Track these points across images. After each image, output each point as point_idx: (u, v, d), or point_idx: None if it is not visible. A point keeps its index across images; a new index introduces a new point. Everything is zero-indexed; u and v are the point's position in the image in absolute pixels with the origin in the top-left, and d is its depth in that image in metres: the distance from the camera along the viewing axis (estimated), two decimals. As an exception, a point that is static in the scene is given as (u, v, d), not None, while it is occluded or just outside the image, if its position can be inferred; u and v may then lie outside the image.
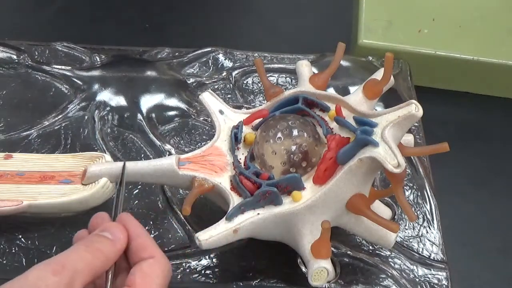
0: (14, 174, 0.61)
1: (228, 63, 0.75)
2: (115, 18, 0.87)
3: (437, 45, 0.80)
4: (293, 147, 0.57)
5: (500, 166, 0.78)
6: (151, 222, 0.62)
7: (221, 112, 0.63)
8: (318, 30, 0.88)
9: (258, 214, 0.56)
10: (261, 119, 0.62)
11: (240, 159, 0.60)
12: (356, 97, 0.61)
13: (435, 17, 0.82)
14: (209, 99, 0.63)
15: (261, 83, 0.71)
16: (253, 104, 0.72)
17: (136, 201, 0.63)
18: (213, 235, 0.54)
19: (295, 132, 0.58)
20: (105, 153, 0.66)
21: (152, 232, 0.61)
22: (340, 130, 0.59)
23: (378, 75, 0.62)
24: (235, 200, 0.57)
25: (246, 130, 0.62)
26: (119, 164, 0.61)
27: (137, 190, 0.64)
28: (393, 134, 0.55)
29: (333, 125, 0.60)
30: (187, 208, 0.56)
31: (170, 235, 0.62)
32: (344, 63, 0.76)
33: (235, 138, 0.60)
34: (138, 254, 0.48)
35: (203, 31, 0.87)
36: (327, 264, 0.54)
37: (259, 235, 0.57)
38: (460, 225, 0.70)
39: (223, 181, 0.58)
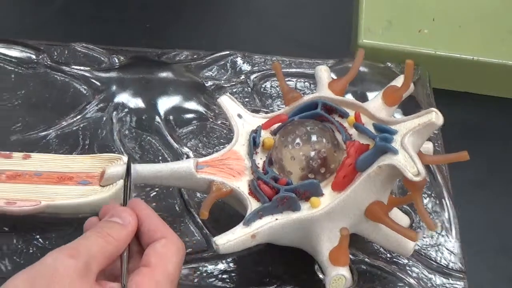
0: (32, 174, 0.61)
1: (246, 67, 0.75)
2: (115, 18, 0.86)
3: (437, 45, 0.79)
4: (312, 153, 0.57)
5: (499, 166, 0.77)
6: (168, 224, 0.62)
7: (239, 116, 0.63)
8: (318, 30, 0.88)
9: (276, 219, 0.55)
10: (280, 124, 0.61)
11: (258, 163, 0.60)
12: (375, 103, 0.61)
13: (435, 17, 0.82)
14: (227, 102, 0.63)
15: (279, 87, 0.71)
16: (271, 108, 0.72)
17: (154, 204, 0.63)
18: (230, 239, 0.54)
19: (314, 138, 0.57)
20: (123, 154, 0.66)
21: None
22: (359, 137, 0.59)
23: (398, 81, 0.62)
24: (253, 205, 0.57)
25: (265, 135, 0.61)
26: (138, 166, 0.60)
27: (154, 193, 0.64)
28: (413, 142, 0.54)
29: (352, 131, 0.60)
30: (204, 212, 0.56)
31: (187, 239, 0.61)
32: (361, 68, 0.75)
33: (254, 142, 0.60)
34: (150, 236, 0.49)
35: (203, 31, 0.86)
36: (345, 271, 0.54)
37: (277, 240, 0.57)
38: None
39: (241, 185, 0.58)
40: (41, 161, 0.62)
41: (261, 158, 0.60)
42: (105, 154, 0.63)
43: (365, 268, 0.60)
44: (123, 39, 0.79)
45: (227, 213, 0.62)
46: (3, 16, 0.87)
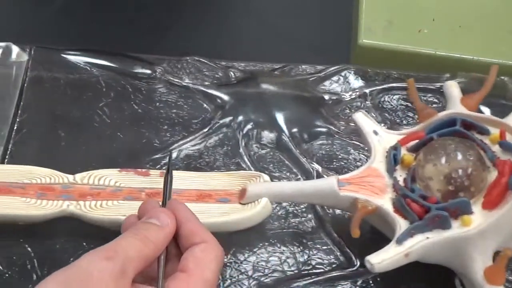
0: (172, 191, 0.61)
1: (362, 81, 0.74)
2: (115, 18, 0.86)
3: (437, 45, 0.79)
4: (460, 171, 0.57)
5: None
6: (304, 241, 0.62)
7: (375, 132, 0.63)
8: (318, 30, 0.88)
9: (428, 238, 0.55)
10: (418, 140, 0.61)
11: (399, 181, 0.60)
12: (514, 120, 0.61)
13: (435, 17, 0.82)
14: (362, 119, 0.63)
15: (396, 101, 0.72)
16: (388, 123, 0.71)
17: (286, 220, 0.63)
18: (385, 258, 0.54)
19: (461, 156, 0.57)
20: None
21: (307, 251, 0.61)
22: (502, 154, 0.59)
23: (536, 98, 0.62)
24: (400, 223, 0.56)
25: (402, 152, 0.61)
26: (280, 184, 0.61)
27: (285, 209, 0.64)
28: None
29: (495, 148, 0.60)
30: (356, 230, 0.56)
31: (325, 256, 0.61)
32: (474, 82, 0.75)
33: (394, 160, 0.60)
34: (189, 240, 0.48)
35: (202, 31, 0.86)
36: (502, 290, 0.54)
37: (426, 259, 0.57)
38: None
39: (385, 203, 0.58)
40: (178, 179, 0.62)
41: (400, 175, 0.60)
42: (242, 172, 0.63)
43: (508, 285, 0.60)
44: (123, 39, 0.78)
45: (362, 229, 0.62)
46: (3, 16, 0.86)
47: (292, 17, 0.89)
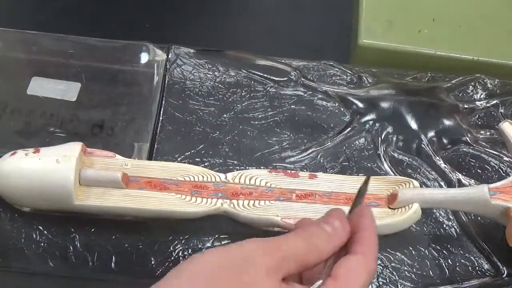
0: (322, 194, 0.62)
1: (493, 90, 0.75)
2: (115, 17, 0.86)
3: (437, 45, 0.79)
4: None
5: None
6: (449, 247, 0.63)
7: (524, 143, 0.63)
8: (318, 30, 0.88)
9: None
10: None
11: (550, 192, 0.60)
12: None
13: (435, 17, 0.82)
14: (509, 129, 0.64)
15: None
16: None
17: (429, 225, 0.64)
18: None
19: None
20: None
21: (452, 258, 0.62)
22: None
23: None
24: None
25: (552, 163, 0.62)
26: (431, 190, 0.61)
27: (426, 214, 0.65)
28: None
29: None
30: (513, 239, 0.57)
31: (470, 263, 0.62)
32: None
33: (545, 171, 0.61)
34: (354, 245, 0.47)
35: (202, 32, 0.86)
36: None
37: None
38: None
39: (538, 214, 0.59)
40: (327, 181, 0.63)
41: (552, 187, 0.61)
42: (389, 177, 0.64)
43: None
44: (123, 39, 0.79)
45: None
46: (4, 15, 0.87)
47: (292, 17, 0.90)
